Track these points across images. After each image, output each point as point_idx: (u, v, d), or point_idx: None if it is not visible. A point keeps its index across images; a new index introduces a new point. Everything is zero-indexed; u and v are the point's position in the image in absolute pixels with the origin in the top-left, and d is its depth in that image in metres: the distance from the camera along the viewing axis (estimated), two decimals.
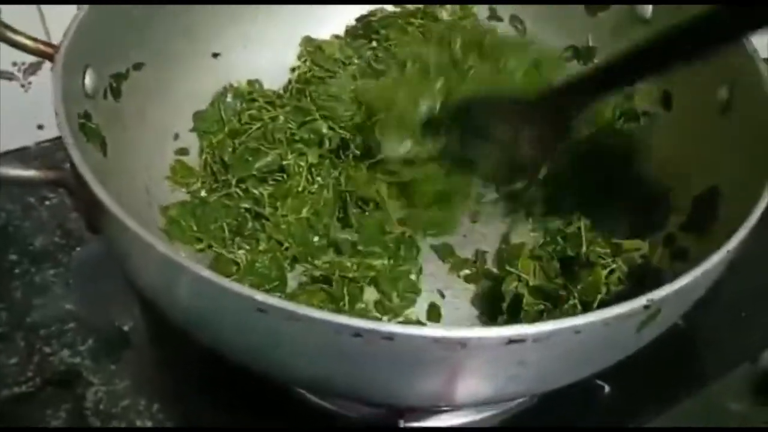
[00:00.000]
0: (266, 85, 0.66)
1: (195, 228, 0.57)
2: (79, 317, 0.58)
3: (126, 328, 0.58)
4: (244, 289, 0.33)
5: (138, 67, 0.56)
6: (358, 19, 0.69)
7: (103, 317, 0.58)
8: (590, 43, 0.65)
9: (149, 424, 0.53)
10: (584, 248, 0.53)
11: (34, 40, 0.45)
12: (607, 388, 0.55)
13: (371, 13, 0.69)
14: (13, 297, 0.59)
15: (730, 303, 0.60)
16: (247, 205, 0.59)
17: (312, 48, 0.67)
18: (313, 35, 0.69)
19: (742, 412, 0.57)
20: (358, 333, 0.33)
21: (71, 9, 0.62)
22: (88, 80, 0.48)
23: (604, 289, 0.49)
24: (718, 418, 0.57)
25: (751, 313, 0.60)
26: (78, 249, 0.63)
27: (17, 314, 0.58)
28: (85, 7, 0.47)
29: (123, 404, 0.54)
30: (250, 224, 0.58)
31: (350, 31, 0.69)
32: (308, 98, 0.63)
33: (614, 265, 0.51)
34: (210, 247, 0.57)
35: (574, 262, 0.53)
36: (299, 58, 0.68)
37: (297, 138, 0.61)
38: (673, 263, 0.52)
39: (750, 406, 0.57)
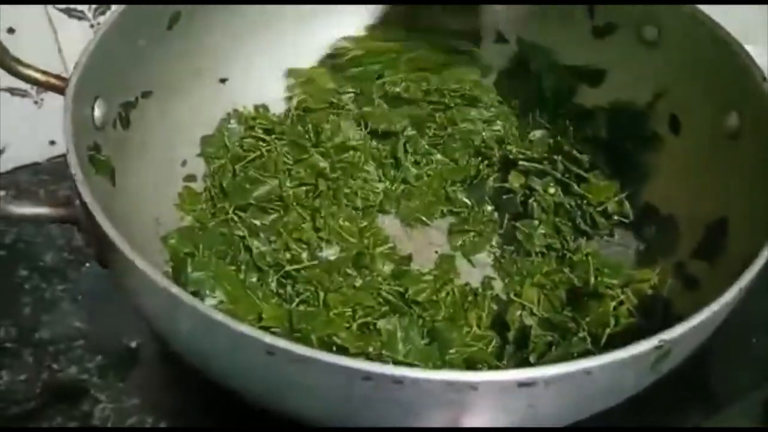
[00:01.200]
0: (274, 110, 0.66)
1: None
2: (87, 334, 0.58)
3: (134, 345, 0.58)
4: (254, 332, 0.33)
5: (146, 95, 0.56)
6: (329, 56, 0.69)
7: (112, 334, 0.58)
8: (598, 66, 0.64)
9: None
10: (592, 278, 0.52)
11: (45, 73, 0.45)
12: (617, 413, 0.54)
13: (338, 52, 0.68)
14: (22, 313, 0.60)
15: (740, 329, 0.59)
16: (240, 233, 0.58)
17: (303, 78, 0.67)
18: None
19: (753, 427, 0.56)
20: (368, 377, 0.33)
21: (88, 34, 0.64)
22: (98, 111, 0.48)
23: (612, 321, 0.49)
24: None
25: (762, 338, 0.60)
26: (87, 265, 0.63)
27: (26, 330, 0.58)
28: (95, 39, 0.47)
29: (130, 422, 0.54)
30: (241, 255, 0.58)
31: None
32: (309, 125, 0.63)
33: (623, 296, 0.50)
34: None
35: (582, 292, 0.53)
36: (289, 89, 0.67)
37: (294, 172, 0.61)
38: (684, 293, 0.52)
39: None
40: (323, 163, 0.61)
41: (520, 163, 0.60)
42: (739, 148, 0.52)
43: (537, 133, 0.63)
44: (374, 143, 0.65)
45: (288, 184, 0.60)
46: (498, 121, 0.66)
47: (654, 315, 0.50)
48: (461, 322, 0.54)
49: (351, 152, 0.63)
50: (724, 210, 0.52)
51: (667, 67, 0.59)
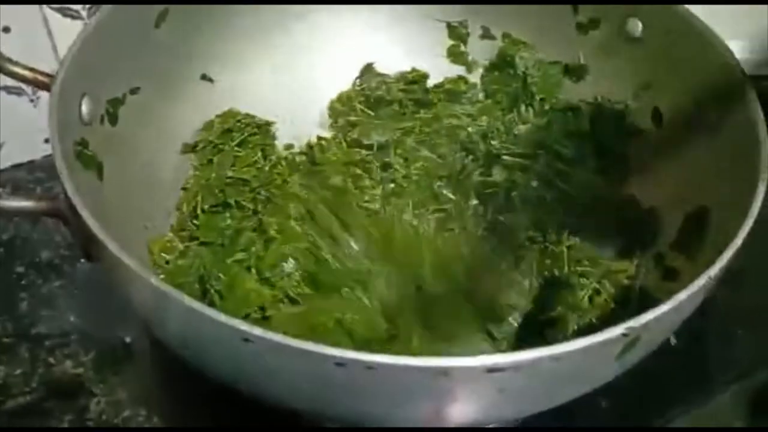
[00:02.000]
0: (261, 113, 0.66)
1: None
2: (82, 329, 0.59)
3: (128, 339, 0.59)
4: (231, 320, 0.34)
5: (134, 91, 0.56)
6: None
7: (107, 329, 0.59)
8: (582, 61, 0.65)
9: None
10: (565, 268, 0.53)
11: (32, 70, 0.46)
12: (603, 403, 0.55)
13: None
14: (19, 308, 0.61)
15: (726, 320, 0.60)
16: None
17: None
18: (308, 57, 0.69)
19: (748, 427, 0.57)
20: (341, 363, 0.34)
21: (80, 27, 0.65)
22: (85, 108, 0.49)
23: (593, 312, 0.49)
24: None
25: (747, 331, 0.60)
26: (83, 261, 0.63)
27: (23, 325, 0.59)
28: (81, 35, 0.48)
29: (124, 415, 0.55)
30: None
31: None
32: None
33: (598, 286, 0.51)
34: None
35: (554, 282, 0.54)
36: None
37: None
38: (663, 283, 0.53)
39: (747, 423, 0.57)
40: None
41: (504, 157, 0.61)
42: (719, 142, 0.53)
43: (522, 128, 0.64)
44: (362, 152, 0.65)
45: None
46: (483, 117, 0.66)
47: (631, 306, 0.51)
48: None
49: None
50: (704, 202, 0.52)
51: (649, 62, 0.60)
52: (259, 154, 0.63)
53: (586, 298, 0.50)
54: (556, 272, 0.54)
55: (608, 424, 0.54)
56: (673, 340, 0.46)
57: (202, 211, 0.59)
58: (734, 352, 0.59)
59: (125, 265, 0.36)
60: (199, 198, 0.60)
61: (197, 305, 0.35)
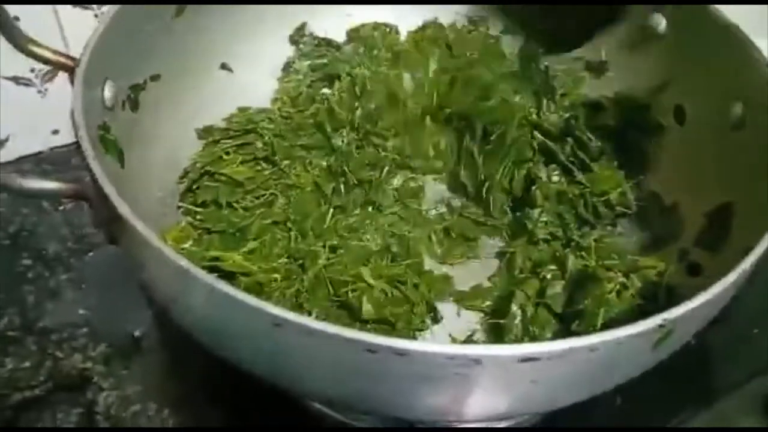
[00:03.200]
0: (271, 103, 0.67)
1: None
2: (90, 322, 0.59)
3: (137, 333, 0.58)
4: (261, 303, 0.33)
5: (155, 78, 0.56)
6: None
7: (115, 323, 0.59)
8: (603, 57, 0.65)
9: (159, 427, 0.53)
10: (592, 262, 0.52)
11: (56, 52, 0.45)
12: (618, 400, 0.54)
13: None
14: (26, 301, 0.60)
15: (742, 319, 0.60)
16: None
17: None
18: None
19: (754, 425, 0.56)
20: (371, 349, 0.33)
21: (89, 18, 0.64)
22: (107, 92, 0.49)
23: (618, 305, 0.49)
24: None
25: (764, 329, 0.60)
26: (90, 254, 0.63)
27: (30, 319, 0.59)
28: (105, 20, 0.48)
29: (133, 409, 0.54)
30: None
31: None
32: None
33: (625, 280, 0.50)
34: None
35: (581, 277, 0.53)
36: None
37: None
38: (687, 279, 0.52)
39: (760, 422, 0.56)
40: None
41: (535, 134, 0.61)
42: (743, 138, 0.52)
43: (551, 118, 0.63)
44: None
45: None
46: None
47: (657, 301, 0.50)
48: None
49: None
50: (728, 198, 0.52)
51: (672, 58, 0.60)
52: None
53: (613, 292, 0.50)
54: (584, 265, 0.53)
55: (624, 422, 0.54)
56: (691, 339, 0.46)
57: (203, 204, 0.58)
58: (750, 351, 0.59)
59: (153, 246, 0.36)
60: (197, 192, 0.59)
61: (228, 288, 0.34)
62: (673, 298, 0.38)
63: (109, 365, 0.56)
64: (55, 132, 0.70)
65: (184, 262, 0.34)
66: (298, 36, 0.68)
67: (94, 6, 0.65)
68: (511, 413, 0.45)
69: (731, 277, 0.39)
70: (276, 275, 0.52)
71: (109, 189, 0.38)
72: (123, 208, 0.37)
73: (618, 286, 0.50)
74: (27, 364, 0.56)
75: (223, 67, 0.64)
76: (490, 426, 0.52)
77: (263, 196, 0.59)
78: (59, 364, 0.56)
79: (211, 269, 0.52)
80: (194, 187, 0.59)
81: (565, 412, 0.44)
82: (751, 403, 0.57)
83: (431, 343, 0.34)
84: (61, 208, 0.66)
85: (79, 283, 0.61)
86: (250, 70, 0.65)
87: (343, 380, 0.38)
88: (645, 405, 0.55)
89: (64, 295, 0.60)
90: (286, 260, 0.55)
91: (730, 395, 0.57)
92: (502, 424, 0.52)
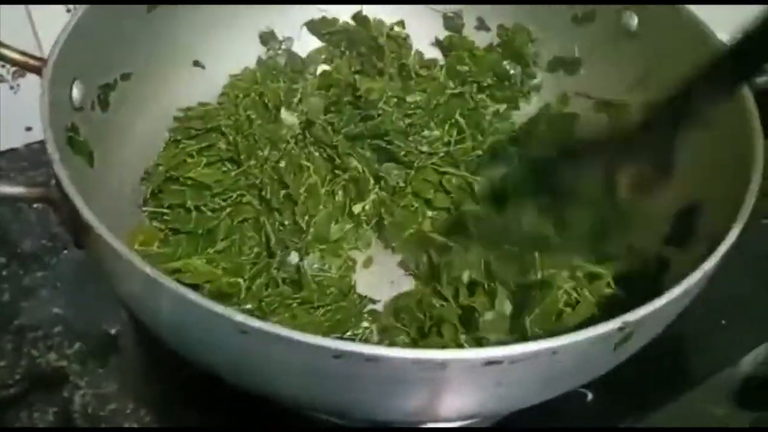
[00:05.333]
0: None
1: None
2: (66, 320, 0.58)
3: (113, 331, 0.58)
4: (225, 311, 0.34)
5: (126, 77, 0.56)
6: None
7: (91, 321, 0.58)
8: (576, 54, 0.65)
9: (136, 426, 0.53)
10: (539, 273, 0.52)
11: (23, 53, 0.45)
12: (590, 396, 0.55)
13: None
14: (1, 300, 0.60)
15: (710, 311, 0.60)
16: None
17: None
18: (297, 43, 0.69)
19: (724, 417, 0.57)
20: (338, 355, 0.34)
21: (62, 16, 0.64)
22: (76, 92, 0.49)
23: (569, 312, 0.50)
24: (700, 423, 0.57)
25: (731, 321, 0.61)
26: (66, 252, 0.63)
27: (5, 317, 0.58)
28: (73, 19, 0.47)
29: (110, 407, 0.54)
30: None
31: None
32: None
33: (576, 294, 0.51)
34: None
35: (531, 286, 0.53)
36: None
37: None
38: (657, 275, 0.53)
39: (731, 411, 0.58)
40: None
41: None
42: (711, 136, 0.53)
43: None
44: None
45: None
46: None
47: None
48: None
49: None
50: (698, 197, 0.53)
51: (644, 56, 0.60)
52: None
53: (562, 302, 0.50)
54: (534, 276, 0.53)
55: (595, 416, 0.55)
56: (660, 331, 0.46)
57: (170, 207, 0.58)
58: (718, 341, 0.60)
59: (119, 253, 0.36)
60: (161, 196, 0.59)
61: (193, 295, 0.34)
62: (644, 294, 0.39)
63: (85, 364, 0.56)
64: (29, 128, 0.69)
65: (149, 270, 0.35)
66: (267, 37, 0.68)
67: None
68: (482, 413, 0.45)
69: (691, 280, 0.39)
70: (240, 279, 0.52)
71: (74, 194, 0.37)
72: (87, 214, 0.37)
73: (567, 298, 0.51)
74: (2, 363, 0.56)
75: (196, 64, 0.64)
76: (469, 426, 0.53)
77: (231, 197, 0.58)
78: (35, 363, 0.56)
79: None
80: (158, 191, 0.58)
81: (536, 408, 0.45)
82: (722, 393, 0.58)
83: (397, 348, 0.35)
84: (35, 206, 0.66)
85: (54, 282, 0.61)
86: (223, 67, 0.65)
87: (311, 385, 0.38)
88: (616, 399, 0.55)
89: (39, 294, 0.60)
90: (254, 258, 0.55)
91: (701, 385, 0.58)
92: (471, 424, 0.52)
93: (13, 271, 0.61)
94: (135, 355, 0.58)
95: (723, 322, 0.61)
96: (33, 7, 0.64)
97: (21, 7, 0.63)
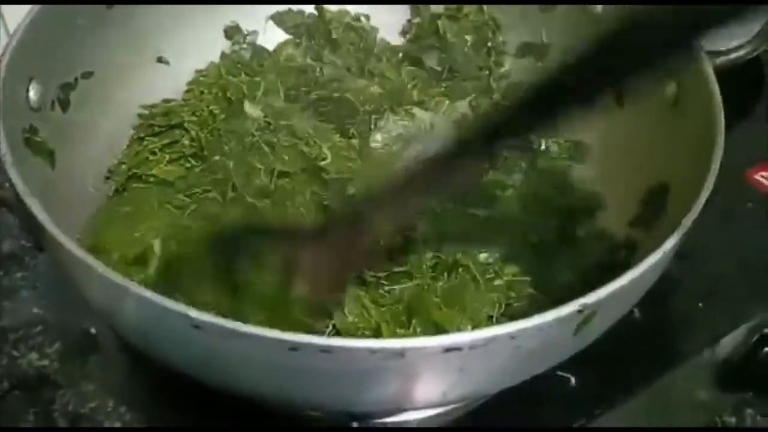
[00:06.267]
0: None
1: None
2: (46, 320, 0.58)
3: (93, 330, 0.58)
4: (179, 306, 0.34)
5: (87, 75, 0.55)
6: None
7: (71, 320, 0.58)
8: (544, 40, 0.65)
9: (117, 425, 0.53)
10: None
11: None
12: (573, 381, 0.55)
13: None
14: None
15: (687, 294, 0.60)
16: None
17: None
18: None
19: (705, 399, 0.58)
20: (294, 347, 0.34)
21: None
22: (33, 93, 0.48)
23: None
24: (682, 405, 0.58)
25: (708, 303, 0.61)
26: (44, 252, 0.63)
27: None
28: (26, 19, 0.47)
29: (91, 406, 0.54)
30: None
31: None
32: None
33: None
34: None
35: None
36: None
37: None
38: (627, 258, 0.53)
39: (712, 393, 0.58)
40: None
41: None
42: (677, 118, 0.53)
43: None
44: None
45: None
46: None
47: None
48: None
49: None
50: (664, 178, 0.52)
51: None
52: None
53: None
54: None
55: (579, 401, 0.55)
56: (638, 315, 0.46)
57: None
58: (696, 325, 0.60)
59: (69, 252, 0.36)
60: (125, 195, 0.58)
61: (146, 292, 0.34)
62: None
63: (65, 363, 0.56)
64: None
65: (102, 270, 0.35)
66: (232, 32, 0.68)
67: None
68: (449, 400, 0.45)
69: (650, 260, 0.39)
70: None
71: (29, 198, 0.37)
72: (41, 215, 0.37)
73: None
74: None
75: (160, 60, 0.63)
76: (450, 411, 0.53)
77: (195, 194, 0.58)
78: (15, 364, 0.56)
79: None
80: (122, 189, 0.58)
81: (519, 393, 0.45)
82: (702, 375, 0.58)
83: (354, 339, 0.35)
84: None
85: (33, 282, 0.61)
86: (187, 63, 0.64)
87: (272, 378, 0.38)
88: (598, 384, 0.55)
89: (19, 294, 0.60)
90: None
91: (681, 368, 0.57)
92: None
93: None
94: (115, 353, 0.58)
95: (699, 304, 0.61)
96: (4, 7, 0.64)
97: None
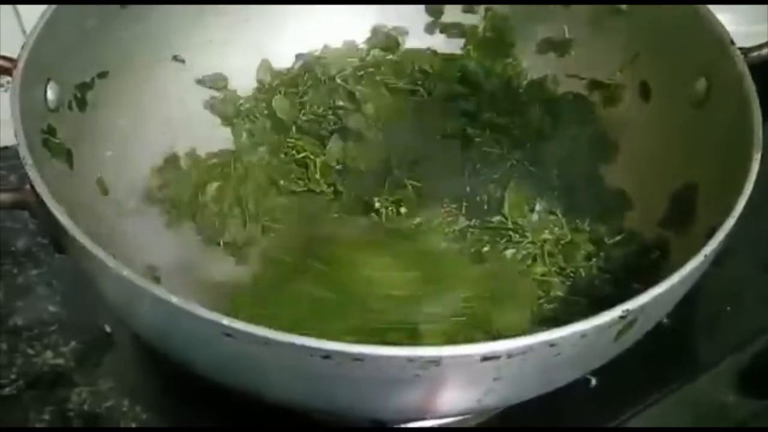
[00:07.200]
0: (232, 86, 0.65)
1: None
2: (62, 319, 0.58)
3: (109, 329, 0.58)
4: (210, 314, 0.33)
5: (103, 75, 0.55)
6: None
7: (86, 318, 0.58)
8: (567, 35, 0.63)
9: (133, 425, 0.53)
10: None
11: None
12: (593, 382, 0.54)
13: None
14: None
15: (713, 297, 0.60)
16: None
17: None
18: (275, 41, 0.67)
19: (730, 403, 0.57)
20: (327, 355, 0.33)
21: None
22: (51, 93, 0.48)
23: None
24: (706, 409, 0.57)
25: (735, 307, 0.60)
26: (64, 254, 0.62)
27: (0, 316, 0.58)
28: (42, 19, 0.46)
29: (107, 405, 0.54)
30: None
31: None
32: None
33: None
34: None
35: None
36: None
37: None
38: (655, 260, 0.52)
39: (737, 397, 0.57)
40: None
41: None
42: (707, 115, 0.52)
43: None
44: None
45: None
46: None
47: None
48: None
49: None
50: (694, 178, 0.51)
51: (636, 35, 0.59)
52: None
53: None
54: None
55: (599, 404, 0.54)
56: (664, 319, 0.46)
57: None
58: (723, 328, 0.59)
59: (96, 257, 0.35)
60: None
61: (175, 299, 0.33)
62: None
63: (81, 362, 0.56)
64: None
65: (128, 273, 0.34)
66: None
67: None
68: (479, 409, 0.44)
69: (692, 265, 0.38)
70: None
71: (50, 200, 0.36)
72: (63, 217, 0.36)
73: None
74: None
75: (175, 58, 0.62)
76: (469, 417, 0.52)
77: None
78: (31, 362, 0.56)
79: None
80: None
81: (538, 396, 0.44)
82: (727, 379, 0.57)
83: (387, 347, 0.34)
84: None
85: (49, 280, 0.60)
86: (202, 60, 0.63)
87: (303, 386, 0.37)
88: (620, 386, 0.54)
89: (34, 292, 0.60)
90: None
91: (706, 372, 0.57)
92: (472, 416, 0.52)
93: (8, 271, 0.61)
94: (131, 352, 0.58)
95: (727, 308, 0.60)
96: (21, 7, 0.63)
97: (10, 9, 0.62)
